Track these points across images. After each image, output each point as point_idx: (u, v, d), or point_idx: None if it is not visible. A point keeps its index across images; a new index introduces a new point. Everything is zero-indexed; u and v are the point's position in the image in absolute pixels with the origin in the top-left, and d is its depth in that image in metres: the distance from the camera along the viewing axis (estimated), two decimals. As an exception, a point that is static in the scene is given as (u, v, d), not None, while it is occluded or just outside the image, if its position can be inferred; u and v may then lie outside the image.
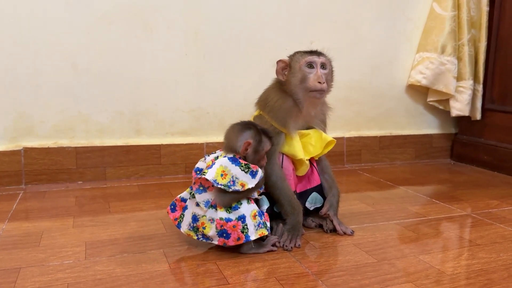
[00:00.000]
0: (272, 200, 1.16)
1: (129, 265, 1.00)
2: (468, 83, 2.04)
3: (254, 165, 1.06)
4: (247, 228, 1.02)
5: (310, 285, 0.92)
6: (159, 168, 1.80)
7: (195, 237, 1.06)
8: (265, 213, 1.09)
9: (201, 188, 1.05)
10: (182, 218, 1.08)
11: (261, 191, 1.11)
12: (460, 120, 2.22)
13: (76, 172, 1.70)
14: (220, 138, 1.13)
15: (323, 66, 1.15)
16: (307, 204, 1.22)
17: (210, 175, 1.02)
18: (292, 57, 1.17)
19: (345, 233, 1.20)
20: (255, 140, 1.08)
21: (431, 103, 2.16)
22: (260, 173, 1.06)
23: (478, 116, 2.08)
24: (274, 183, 1.14)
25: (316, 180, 1.24)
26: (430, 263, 1.03)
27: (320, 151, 1.21)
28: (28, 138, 1.65)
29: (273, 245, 1.09)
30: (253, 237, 1.03)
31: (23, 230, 1.21)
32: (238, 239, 1.02)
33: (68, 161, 1.68)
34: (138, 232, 1.20)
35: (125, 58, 1.71)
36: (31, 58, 1.61)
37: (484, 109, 2.08)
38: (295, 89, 1.15)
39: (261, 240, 1.08)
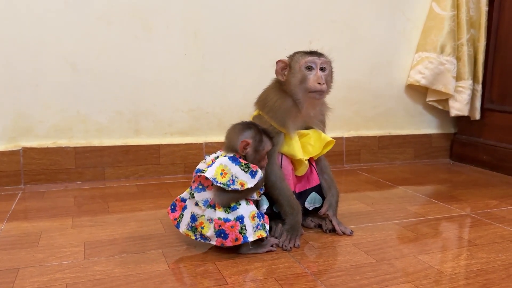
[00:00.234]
0: (272, 200, 1.16)
1: (128, 265, 1.00)
2: (467, 83, 2.04)
3: (254, 165, 1.06)
4: (245, 229, 1.02)
5: (309, 285, 0.92)
6: (158, 168, 1.80)
7: (193, 237, 1.06)
8: (265, 216, 1.09)
9: (200, 187, 1.05)
10: (181, 218, 1.08)
11: (262, 192, 1.11)
12: (459, 120, 2.22)
13: (75, 172, 1.70)
14: (219, 138, 1.13)
15: (322, 67, 1.15)
16: (306, 204, 1.22)
17: (209, 173, 1.02)
18: (292, 57, 1.17)
19: (344, 233, 1.20)
20: (254, 139, 1.08)
21: (430, 103, 2.16)
22: (259, 173, 1.06)
23: (477, 116, 2.08)
24: (273, 183, 1.14)
25: (315, 180, 1.24)
26: (429, 263, 1.03)
27: (319, 151, 1.21)
28: (27, 138, 1.64)
29: (272, 245, 1.09)
30: (251, 238, 1.03)
31: (22, 230, 1.21)
32: (236, 239, 1.02)
33: (67, 161, 1.68)
34: (137, 232, 1.20)
35: (124, 58, 1.70)
36: (30, 58, 1.60)
37: (483, 109, 2.08)
38: (295, 90, 1.15)
39: (260, 241, 1.08)
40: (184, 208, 1.08)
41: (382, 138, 2.13)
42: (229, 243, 1.02)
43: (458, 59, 2.04)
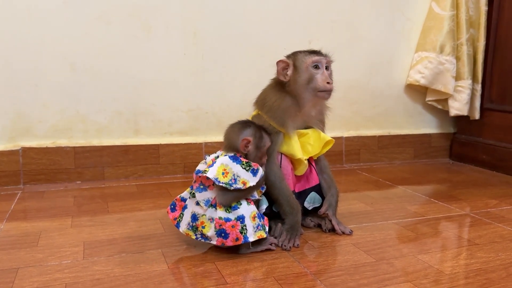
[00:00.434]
0: (271, 200, 1.16)
1: (127, 265, 1.00)
2: (466, 82, 2.04)
3: (255, 164, 1.06)
4: (245, 229, 1.02)
5: (308, 285, 0.92)
6: (158, 168, 1.80)
7: (194, 237, 1.06)
8: (265, 218, 1.09)
9: (202, 186, 1.05)
10: (181, 218, 1.08)
11: (263, 191, 1.11)
12: (459, 120, 2.22)
13: (75, 172, 1.69)
14: (219, 137, 1.13)
15: (327, 66, 1.16)
16: (306, 204, 1.22)
17: (211, 173, 1.02)
18: (294, 57, 1.17)
19: (343, 233, 1.20)
20: (255, 137, 1.08)
21: (429, 102, 2.16)
22: (261, 171, 1.06)
23: (476, 115, 2.08)
24: (273, 183, 1.14)
25: (314, 180, 1.24)
26: (428, 262, 1.03)
27: (319, 150, 1.21)
28: (26, 138, 1.64)
29: (271, 244, 1.09)
30: (251, 238, 1.03)
31: (21, 230, 1.21)
32: (237, 239, 1.02)
33: (67, 161, 1.68)
34: (137, 232, 1.20)
35: (123, 58, 1.70)
36: (29, 58, 1.60)
37: (482, 109, 2.08)
38: (301, 89, 1.14)
39: (259, 241, 1.08)
40: (184, 207, 1.08)
41: (381, 138, 2.13)
42: (229, 242, 1.02)
43: (458, 58, 2.04)
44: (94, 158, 1.71)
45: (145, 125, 1.78)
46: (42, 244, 1.11)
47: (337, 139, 1.98)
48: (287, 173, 1.18)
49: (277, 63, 1.17)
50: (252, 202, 1.07)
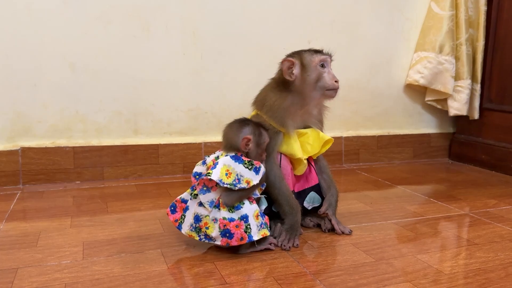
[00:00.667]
0: (270, 200, 1.16)
1: (127, 265, 1.00)
2: (466, 82, 2.04)
3: (256, 162, 1.07)
4: (250, 228, 1.02)
5: (308, 285, 0.92)
6: (157, 168, 1.80)
7: (197, 238, 1.05)
8: (266, 216, 1.09)
9: (205, 188, 1.05)
10: (183, 219, 1.07)
11: (263, 188, 1.11)
12: (458, 120, 2.22)
13: (74, 172, 1.69)
14: (218, 137, 1.13)
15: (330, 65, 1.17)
16: (305, 204, 1.22)
17: (215, 175, 1.02)
18: (300, 56, 1.16)
19: (343, 233, 1.20)
20: (255, 134, 1.09)
21: (429, 102, 2.17)
22: (262, 168, 1.07)
23: (476, 115, 2.09)
24: (273, 183, 1.14)
25: (314, 180, 1.24)
26: (428, 262, 1.04)
27: (318, 150, 1.21)
28: (25, 138, 1.64)
29: (270, 244, 1.09)
30: (256, 237, 1.03)
31: (21, 230, 1.21)
32: (241, 239, 1.02)
33: (66, 161, 1.68)
34: (136, 232, 1.20)
35: (123, 57, 1.70)
36: (28, 58, 1.60)
37: (482, 109, 2.09)
38: (309, 88, 1.15)
39: (262, 240, 1.08)
40: (186, 209, 1.07)
41: (381, 138, 2.14)
42: (234, 242, 1.02)
43: (457, 58, 2.05)
44: (94, 158, 1.71)
45: (145, 125, 1.78)
46: (42, 244, 1.11)
47: (336, 139, 1.99)
48: (286, 173, 1.18)
49: (282, 62, 1.16)
50: (254, 201, 1.07)
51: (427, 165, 2.14)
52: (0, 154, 1.60)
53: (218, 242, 1.03)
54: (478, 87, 2.06)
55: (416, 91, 2.18)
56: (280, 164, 1.18)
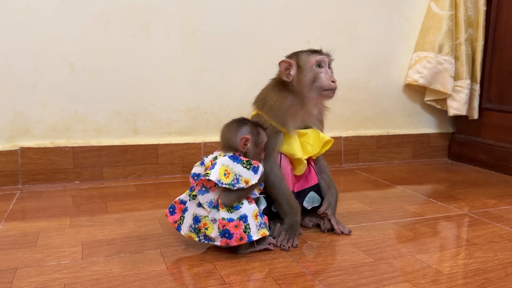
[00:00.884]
0: (269, 200, 1.16)
1: (126, 265, 1.00)
2: (465, 82, 2.04)
3: (255, 161, 1.07)
4: (249, 228, 1.02)
5: (307, 285, 0.92)
6: (157, 168, 1.80)
7: (197, 239, 1.05)
8: (265, 216, 1.09)
9: (204, 189, 1.05)
10: (182, 221, 1.07)
11: (261, 188, 1.11)
12: (458, 120, 2.22)
13: (73, 172, 1.69)
14: (217, 137, 1.13)
15: (329, 65, 1.16)
16: (305, 204, 1.22)
17: (213, 175, 1.01)
18: (297, 57, 1.16)
19: (342, 233, 1.20)
20: (253, 134, 1.09)
21: (428, 102, 2.17)
22: (261, 168, 1.07)
23: (475, 115, 2.09)
24: (273, 183, 1.14)
25: (313, 179, 1.24)
26: (427, 262, 1.04)
27: (318, 150, 1.21)
28: (25, 138, 1.64)
29: (270, 244, 1.09)
30: (255, 237, 1.03)
31: (20, 230, 1.21)
32: (241, 239, 1.02)
33: (65, 161, 1.68)
34: (135, 232, 1.20)
35: (122, 57, 1.70)
36: (28, 58, 1.60)
37: (481, 109, 2.09)
38: (306, 89, 1.15)
39: (261, 240, 1.08)
40: (185, 210, 1.07)
41: (380, 138, 2.14)
42: (233, 242, 1.02)
43: (456, 58, 2.05)
44: (93, 158, 1.71)
45: (144, 125, 1.78)
46: (41, 244, 1.11)
47: (336, 139, 1.99)
48: (286, 173, 1.18)
49: (280, 63, 1.16)
50: (253, 201, 1.07)
51: (427, 165, 2.14)
52: (-1, 154, 1.60)
53: (217, 243, 1.03)
54: (477, 87, 2.06)
55: (416, 91, 2.18)
56: (280, 164, 1.18)
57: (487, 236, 1.21)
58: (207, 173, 1.03)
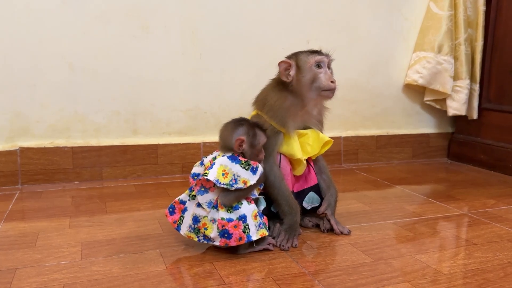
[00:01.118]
0: (269, 200, 1.16)
1: (125, 265, 1.00)
2: (464, 82, 2.04)
3: (254, 162, 1.06)
4: (248, 228, 1.02)
5: (307, 285, 0.92)
6: (156, 168, 1.80)
7: (196, 239, 1.05)
8: (264, 216, 1.09)
9: (203, 189, 1.05)
10: (182, 221, 1.07)
11: (261, 188, 1.11)
12: (457, 120, 2.22)
13: (73, 172, 1.69)
14: (217, 137, 1.13)
15: (328, 65, 1.16)
16: (304, 204, 1.22)
17: (211, 175, 1.01)
18: (296, 57, 1.17)
19: (342, 233, 1.20)
20: (248, 135, 1.08)
21: (428, 102, 2.17)
22: (260, 168, 1.06)
23: (474, 115, 2.09)
24: (272, 183, 1.14)
25: (313, 180, 1.24)
26: (426, 262, 1.04)
27: (318, 151, 1.21)
28: (24, 138, 1.64)
29: (269, 244, 1.09)
30: (254, 237, 1.03)
31: (19, 230, 1.21)
32: (240, 239, 1.02)
33: (65, 161, 1.68)
34: (135, 232, 1.20)
35: (121, 57, 1.70)
36: (27, 58, 1.60)
37: (480, 109, 2.09)
38: (305, 89, 1.15)
39: (260, 240, 1.08)
40: (184, 210, 1.07)
41: (380, 138, 2.14)
42: (233, 242, 1.02)
43: (456, 58, 2.05)
44: (92, 158, 1.71)
45: (144, 125, 1.78)
46: (40, 244, 1.11)
47: (335, 139, 1.98)
48: (286, 173, 1.18)
49: (279, 64, 1.16)
50: (253, 201, 1.07)
51: (426, 165, 2.14)
52: (-2, 154, 1.60)
53: (217, 243, 1.03)
54: (476, 87, 2.07)
55: (415, 91, 2.18)
56: (280, 164, 1.18)
57: (487, 236, 1.21)
58: (206, 173, 1.03)
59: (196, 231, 1.05)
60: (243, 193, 1.04)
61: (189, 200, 1.07)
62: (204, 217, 1.04)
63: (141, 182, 1.72)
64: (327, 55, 1.17)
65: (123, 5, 1.67)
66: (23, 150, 1.63)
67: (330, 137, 1.22)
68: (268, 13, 1.87)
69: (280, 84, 1.18)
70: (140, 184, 1.69)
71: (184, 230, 1.06)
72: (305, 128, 1.21)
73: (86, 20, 1.64)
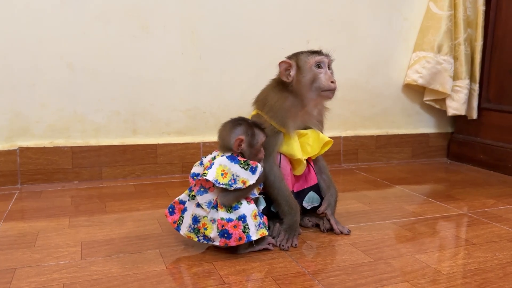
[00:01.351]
0: (269, 200, 1.16)
1: (125, 265, 1.00)
2: (464, 82, 2.05)
3: (253, 162, 1.06)
4: (248, 228, 1.02)
5: (306, 285, 0.92)
6: (156, 168, 1.80)
7: (196, 239, 1.05)
8: (264, 216, 1.09)
9: (202, 189, 1.05)
10: (182, 221, 1.07)
11: (261, 188, 1.11)
12: (457, 119, 2.22)
13: (72, 172, 1.69)
14: (216, 137, 1.13)
15: (328, 65, 1.16)
16: (304, 203, 1.22)
17: (210, 175, 1.01)
18: (296, 57, 1.17)
19: (341, 233, 1.20)
20: (247, 135, 1.07)
21: (427, 102, 2.17)
22: (260, 168, 1.06)
23: (474, 115, 2.09)
24: (272, 183, 1.14)
25: (313, 179, 1.24)
26: (426, 262, 1.04)
27: (318, 151, 1.21)
28: (23, 137, 1.64)
29: (269, 244, 1.09)
30: (254, 237, 1.03)
31: (19, 230, 1.21)
32: (240, 239, 1.01)
33: (64, 161, 1.68)
34: (135, 232, 1.20)
35: (121, 57, 1.70)
36: (27, 58, 1.60)
37: (480, 108, 2.09)
38: (305, 89, 1.15)
39: (260, 240, 1.08)
40: (184, 210, 1.07)
41: (379, 138, 2.14)
42: (232, 242, 1.01)
43: (455, 58, 2.05)
44: (92, 158, 1.71)
45: (143, 125, 1.78)
46: (40, 244, 1.11)
47: (335, 138, 1.98)
48: (286, 173, 1.18)
49: (280, 64, 1.16)
50: (252, 201, 1.07)
51: (426, 165, 2.14)
52: (-2, 154, 1.60)
53: (216, 243, 1.03)
54: (476, 87, 2.07)
55: (415, 91, 2.18)
56: (280, 164, 1.18)
57: (486, 236, 1.21)
58: (205, 173, 1.03)
59: (196, 231, 1.05)
60: (243, 193, 1.04)
61: (188, 200, 1.07)
62: (204, 217, 1.04)
63: (141, 182, 1.72)
64: (327, 55, 1.17)
65: (122, 5, 1.67)
66: (23, 150, 1.62)
67: (330, 137, 1.22)
68: (268, 13, 1.87)
69: (280, 84, 1.18)
70: (139, 184, 1.69)
71: (184, 230, 1.06)
72: (305, 128, 1.21)
73: (86, 20, 1.64)
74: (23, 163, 1.63)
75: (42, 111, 1.65)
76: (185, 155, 1.82)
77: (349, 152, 2.09)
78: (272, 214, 1.17)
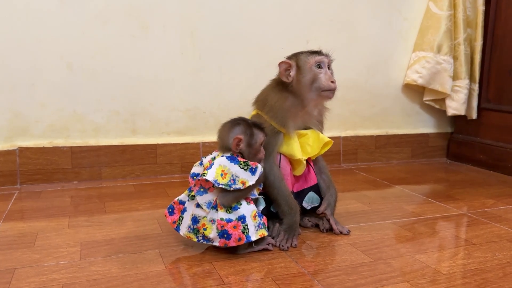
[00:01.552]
0: (268, 200, 1.16)
1: (124, 265, 0.99)
2: (464, 82, 2.05)
3: (253, 162, 1.06)
4: (247, 228, 1.02)
5: (306, 285, 0.92)
6: (155, 168, 1.80)
7: (195, 239, 1.05)
8: (264, 216, 1.09)
9: (202, 189, 1.05)
10: (181, 221, 1.07)
11: (261, 188, 1.11)
12: (456, 119, 2.22)
13: (72, 172, 1.69)
14: (216, 137, 1.13)
15: (328, 65, 1.16)
16: (304, 204, 1.22)
17: (210, 176, 1.01)
18: (296, 57, 1.17)
19: (341, 233, 1.20)
20: (246, 134, 1.07)
21: (427, 102, 2.17)
22: (259, 169, 1.06)
23: (474, 115, 2.09)
24: (272, 183, 1.14)
25: (313, 180, 1.24)
26: (426, 262, 1.04)
27: (318, 151, 1.21)
28: (23, 137, 1.64)
29: (268, 244, 1.09)
30: (253, 237, 1.03)
31: (18, 230, 1.20)
32: (239, 239, 1.01)
33: (64, 161, 1.67)
34: (134, 232, 1.20)
35: (120, 57, 1.70)
36: (26, 58, 1.60)
37: (480, 108, 2.09)
38: (305, 90, 1.15)
39: (260, 240, 1.08)
40: (184, 210, 1.07)
41: (379, 138, 2.14)
42: (232, 243, 1.01)
43: (455, 58, 2.05)
44: (91, 158, 1.71)
45: (143, 125, 1.78)
46: (39, 244, 1.11)
47: (334, 139, 1.98)
48: (286, 173, 1.18)
49: (280, 64, 1.16)
50: (252, 202, 1.07)
51: (425, 165, 2.15)
52: (-3, 154, 1.60)
53: (216, 243, 1.03)
54: (476, 87, 2.07)
55: (414, 91, 2.18)
56: (280, 164, 1.18)
57: (486, 236, 1.21)
58: (204, 173, 1.03)
59: (196, 231, 1.05)
60: (242, 194, 1.04)
61: (188, 200, 1.07)
62: (204, 217, 1.04)
63: (140, 182, 1.72)
64: (327, 56, 1.17)
65: (122, 5, 1.67)
66: (22, 150, 1.62)
67: (329, 137, 1.22)
68: (267, 13, 1.87)
69: (280, 85, 1.18)
70: (139, 184, 1.68)
71: (184, 230, 1.06)
72: (305, 129, 1.21)
73: (85, 20, 1.64)
74: (22, 163, 1.62)
75: (42, 111, 1.65)
76: (185, 155, 1.82)
77: (349, 152, 2.09)
78: (271, 214, 1.17)
